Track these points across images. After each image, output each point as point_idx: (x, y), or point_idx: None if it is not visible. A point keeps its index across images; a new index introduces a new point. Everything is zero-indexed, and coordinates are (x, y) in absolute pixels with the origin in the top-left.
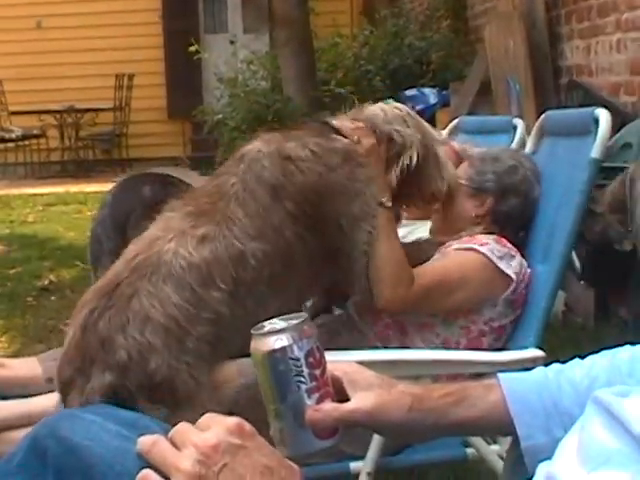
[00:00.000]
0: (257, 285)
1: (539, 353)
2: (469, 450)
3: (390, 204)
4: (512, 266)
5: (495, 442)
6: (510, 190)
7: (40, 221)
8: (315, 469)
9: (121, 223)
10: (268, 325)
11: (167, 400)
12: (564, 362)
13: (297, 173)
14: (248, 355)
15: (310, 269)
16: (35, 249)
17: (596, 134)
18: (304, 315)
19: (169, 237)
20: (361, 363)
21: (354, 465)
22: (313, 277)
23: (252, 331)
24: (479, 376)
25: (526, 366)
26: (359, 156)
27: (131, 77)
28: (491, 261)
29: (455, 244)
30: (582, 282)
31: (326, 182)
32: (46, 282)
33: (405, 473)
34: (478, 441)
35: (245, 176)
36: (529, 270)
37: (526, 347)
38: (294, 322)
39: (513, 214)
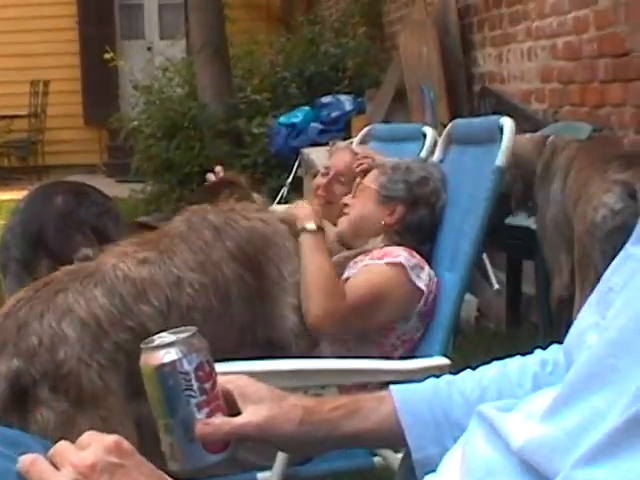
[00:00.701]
0: (191, 312)
1: (444, 361)
2: (376, 459)
3: (314, 227)
4: (422, 278)
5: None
6: (421, 201)
7: None
8: None
9: (32, 232)
10: (157, 339)
11: (70, 394)
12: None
13: (240, 219)
14: None
15: (248, 312)
16: None
17: (501, 142)
18: (193, 329)
19: (111, 255)
20: (267, 373)
21: (261, 475)
22: (251, 323)
23: (141, 345)
24: (386, 385)
25: (432, 374)
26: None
27: (47, 83)
28: (407, 273)
29: (366, 259)
30: None
31: (270, 230)
32: None
33: None
34: (384, 449)
35: (191, 218)
36: (436, 279)
37: (432, 355)
38: (183, 335)
39: (423, 224)
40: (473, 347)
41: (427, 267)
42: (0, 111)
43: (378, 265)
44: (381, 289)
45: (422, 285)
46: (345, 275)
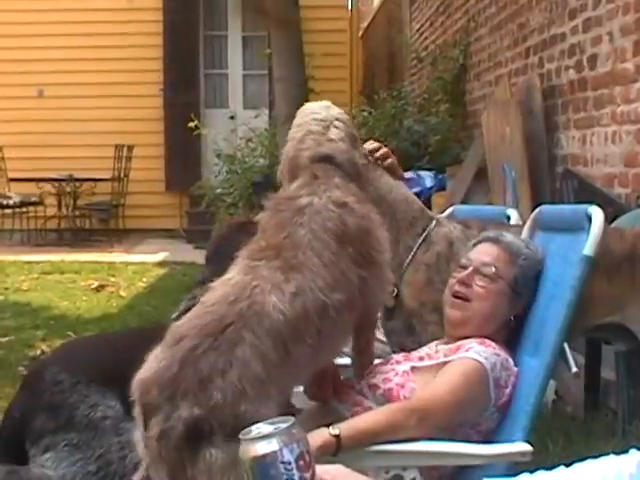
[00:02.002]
0: (334, 333)
1: (527, 447)
2: None
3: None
4: (502, 377)
5: None
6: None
7: (34, 289)
8: None
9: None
10: (255, 430)
11: None
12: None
13: (350, 217)
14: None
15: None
16: (28, 317)
17: (589, 231)
18: (292, 419)
19: (268, 288)
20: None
21: None
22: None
23: (240, 436)
24: (465, 468)
25: (514, 460)
26: None
27: (130, 148)
28: (487, 376)
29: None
30: None
31: (372, 221)
32: (38, 352)
33: None
34: None
35: (312, 226)
36: (515, 369)
37: (514, 441)
38: (283, 426)
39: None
40: (550, 430)
41: (503, 353)
42: (85, 174)
43: (461, 363)
44: (463, 393)
45: (502, 382)
46: (441, 359)
